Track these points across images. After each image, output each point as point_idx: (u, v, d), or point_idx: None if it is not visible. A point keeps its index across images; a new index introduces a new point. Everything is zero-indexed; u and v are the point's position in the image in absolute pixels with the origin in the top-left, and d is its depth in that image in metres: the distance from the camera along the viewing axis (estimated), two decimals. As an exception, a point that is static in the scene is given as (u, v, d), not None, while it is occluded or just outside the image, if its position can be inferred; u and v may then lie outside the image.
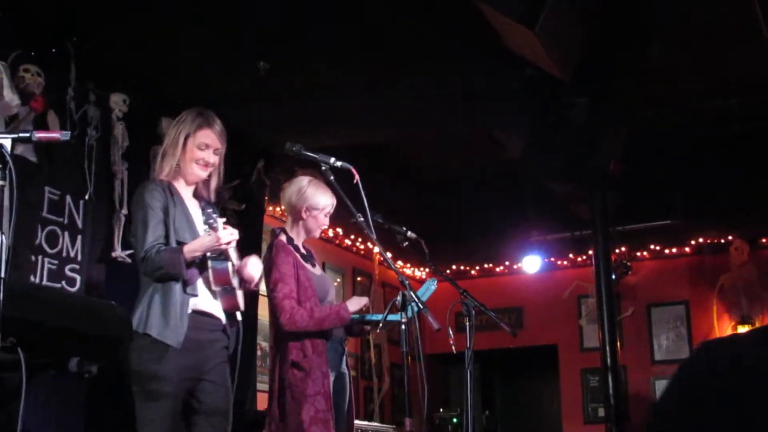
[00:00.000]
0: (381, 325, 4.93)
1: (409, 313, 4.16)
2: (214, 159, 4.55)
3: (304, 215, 5.28)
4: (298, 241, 5.34)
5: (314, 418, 5.01)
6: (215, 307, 4.44)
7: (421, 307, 4.07)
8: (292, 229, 5.35)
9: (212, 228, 4.28)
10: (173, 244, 4.31)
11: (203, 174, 4.55)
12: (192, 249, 4.32)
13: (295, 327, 5.04)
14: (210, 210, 4.43)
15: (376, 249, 10.92)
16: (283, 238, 5.27)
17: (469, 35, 6.49)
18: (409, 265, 12.51)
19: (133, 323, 4.16)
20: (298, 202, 5.29)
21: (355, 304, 5.24)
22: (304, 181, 5.34)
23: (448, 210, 10.54)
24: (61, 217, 6.28)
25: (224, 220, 4.37)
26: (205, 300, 4.39)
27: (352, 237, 11.05)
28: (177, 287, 4.28)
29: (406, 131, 8.35)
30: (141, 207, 4.33)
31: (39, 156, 6.04)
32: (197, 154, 4.48)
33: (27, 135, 2.85)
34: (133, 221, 4.41)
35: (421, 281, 12.61)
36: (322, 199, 5.28)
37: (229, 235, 4.33)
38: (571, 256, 12.13)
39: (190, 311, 4.33)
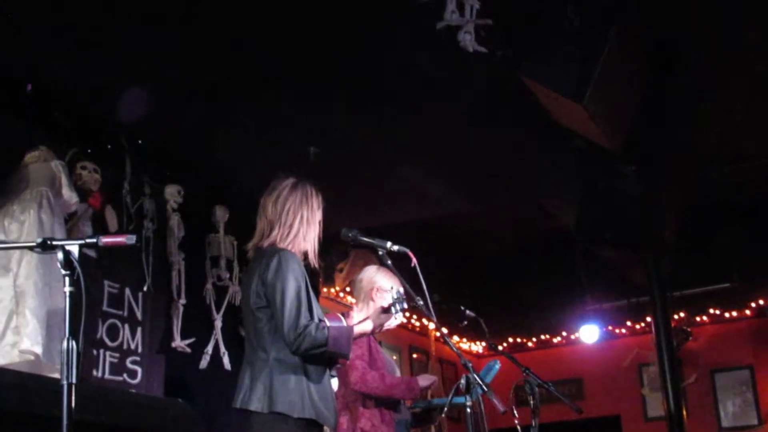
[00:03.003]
0: (446, 408, 4.93)
1: (474, 396, 4.15)
2: None
3: (374, 296, 5.38)
4: None
5: (383, 491, 4.99)
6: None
7: (486, 389, 4.05)
8: (362, 311, 5.42)
9: (399, 311, 4.21)
10: (316, 320, 3.99)
11: None
12: (362, 330, 4.21)
13: (366, 388, 5.08)
14: (402, 291, 4.29)
15: (432, 326, 10.95)
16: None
17: (516, 109, 6.53)
18: (465, 340, 12.43)
19: (275, 406, 3.84)
20: (369, 284, 5.42)
21: (426, 380, 5.33)
22: (373, 268, 5.49)
23: (501, 282, 10.51)
24: (121, 310, 6.37)
25: None
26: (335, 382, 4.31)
27: (407, 314, 11.03)
28: (323, 367, 4.04)
29: (458, 207, 8.36)
30: (291, 277, 3.98)
31: (98, 251, 6.14)
32: (319, 232, 4.30)
33: (94, 241, 2.89)
34: (279, 291, 3.95)
35: (479, 356, 12.53)
36: (390, 283, 5.39)
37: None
38: (629, 323, 11.98)
39: None
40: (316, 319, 3.98)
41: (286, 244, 4.14)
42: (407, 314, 8.46)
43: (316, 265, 4.32)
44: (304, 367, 3.96)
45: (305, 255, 4.23)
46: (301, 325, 3.88)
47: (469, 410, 4.16)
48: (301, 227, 4.19)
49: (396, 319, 4.33)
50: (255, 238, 4.26)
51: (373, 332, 4.40)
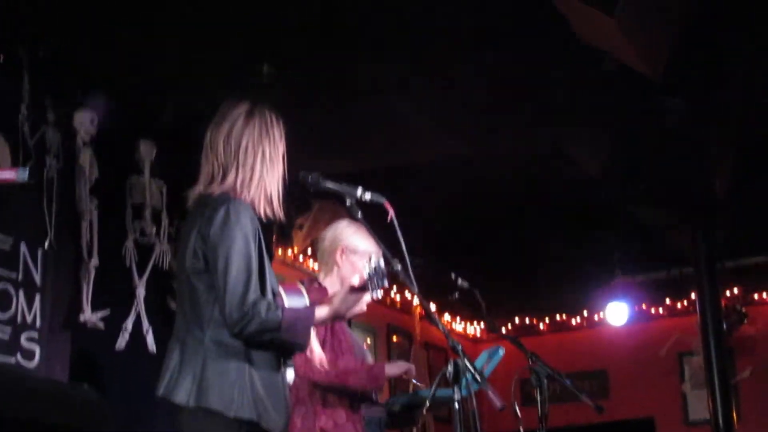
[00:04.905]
0: (427, 404, 4.93)
1: (465, 390, 4.14)
2: None
3: (339, 259, 5.36)
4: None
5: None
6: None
7: (480, 380, 4.04)
8: (326, 279, 5.40)
9: (377, 290, 4.11)
10: (269, 295, 3.96)
11: None
12: (324, 316, 4.11)
13: (312, 373, 5.07)
14: (383, 263, 4.17)
15: (417, 301, 10.94)
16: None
17: (529, 23, 6.50)
18: (459, 320, 12.48)
19: (205, 401, 3.81)
20: (333, 243, 5.39)
21: (397, 367, 5.31)
22: (341, 223, 5.45)
23: (506, 246, 10.51)
24: (15, 272, 6.31)
25: None
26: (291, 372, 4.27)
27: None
28: (275, 354, 4.01)
29: (453, 148, 8.33)
30: (239, 237, 3.92)
31: (-17, 193, 6.10)
32: (284, 171, 4.21)
33: (-27, 176, 2.86)
34: (223, 255, 3.89)
35: (475, 340, 12.58)
36: (362, 242, 5.35)
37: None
38: (667, 302, 12.06)
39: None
40: (269, 295, 3.96)
41: (251, 193, 4.08)
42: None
43: (282, 216, 4.26)
44: (249, 352, 3.93)
45: (270, 201, 4.18)
46: (248, 303, 3.82)
47: (457, 405, 4.15)
48: (263, 168, 4.13)
49: (369, 298, 4.28)
50: (200, 183, 4.17)
51: (338, 318, 4.34)
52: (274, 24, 6.45)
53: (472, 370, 4.06)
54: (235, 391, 3.84)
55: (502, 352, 5.38)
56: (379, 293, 4.10)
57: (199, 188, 4.13)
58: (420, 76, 7.22)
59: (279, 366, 4.03)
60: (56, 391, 3.76)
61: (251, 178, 4.08)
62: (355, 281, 4.16)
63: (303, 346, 4.02)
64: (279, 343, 3.91)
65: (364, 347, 5.67)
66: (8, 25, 6.24)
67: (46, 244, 6.50)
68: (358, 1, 6.29)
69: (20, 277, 6.34)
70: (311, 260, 9.39)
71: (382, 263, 4.06)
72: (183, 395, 3.85)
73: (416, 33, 6.70)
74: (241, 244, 3.90)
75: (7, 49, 6.33)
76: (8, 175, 2.88)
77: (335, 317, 4.23)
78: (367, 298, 4.20)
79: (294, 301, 4.14)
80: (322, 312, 4.11)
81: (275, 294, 4.03)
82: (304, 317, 4.00)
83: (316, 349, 5.08)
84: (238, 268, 3.86)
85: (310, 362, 5.07)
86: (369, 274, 4.05)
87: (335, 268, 5.40)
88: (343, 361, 5.17)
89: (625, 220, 9.47)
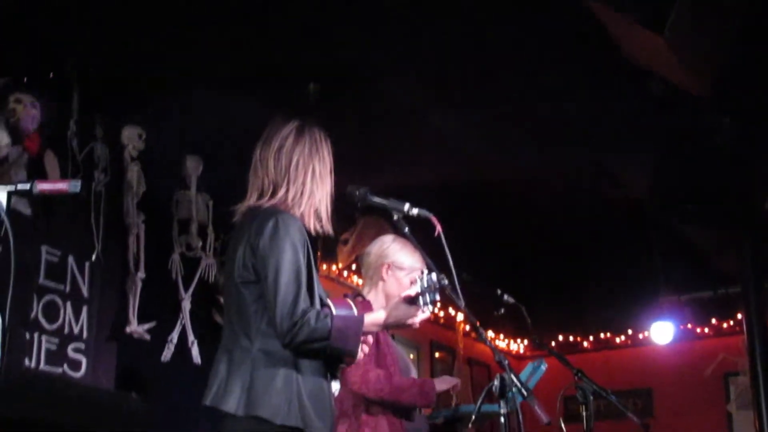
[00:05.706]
0: (473, 419, 4.92)
1: (510, 405, 4.13)
2: None
3: (384, 275, 5.37)
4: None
5: None
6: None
7: (526, 394, 4.03)
8: (370, 293, 5.40)
9: (429, 304, 4.13)
10: (317, 305, 4.00)
11: None
12: (374, 322, 4.18)
13: (367, 390, 5.08)
14: (435, 278, 4.19)
15: (461, 317, 10.93)
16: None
17: (576, 42, 6.48)
18: (502, 336, 12.41)
19: (254, 409, 3.85)
20: (379, 258, 5.39)
21: (445, 382, 5.32)
22: (388, 238, 5.45)
23: (551, 264, 10.47)
24: (62, 284, 6.38)
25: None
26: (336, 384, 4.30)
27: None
28: (322, 363, 4.06)
29: (497, 167, 8.32)
30: (289, 248, 3.97)
31: (34, 208, 6.14)
32: (332, 187, 4.29)
33: (26, 187, 2.87)
34: (273, 266, 3.93)
35: (519, 357, 12.52)
36: (408, 258, 5.36)
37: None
38: (714, 321, 11.94)
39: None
40: (317, 305, 3.98)
41: (301, 208, 4.14)
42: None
43: (330, 230, 4.29)
44: (296, 362, 3.95)
45: (319, 217, 4.21)
46: (298, 312, 3.86)
47: (503, 420, 4.15)
48: (314, 184, 4.20)
49: (423, 314, 4.29)
50: (250, 198, 4.21)
51: (388, 328, 4.37)
52: (317, 45, 6.47)
53: (519, 385, 4.06)
54: (282, 400, 3.87)
55: (544, 367, 5.38)
56: (431, 307, 4.11)
57: (248, 202, 4.17)
58: (465, 95, 7.22)
59: (326, 374, 4.05)
60: (103, 400, 3.78)
61: (302, 194, 4.14)
62: (405, 286, 4.17)
63: (353, 353, 4.03)
64: (330, 351, 3.93)
65: (409, 360, 5.67)
66: (58, 43, 6.29)
67: (94, 256, 6.55)
68: (404, 21, 6.30)
69: (68, 289, 6.41)
70: (355, 276, 9.38)
71: (435, 278, 4.07)
72: (232, 404, 3.87)
73: (462, 56, 6.71)
74: (290, 254, 3.93)
75: (56, 66, 6.39)
76: (61, 186, 2.89)
77: (385, 327, 4.24)
78: (420, 314, 4.21)
79: (343, 313, 4.15)
80: (371, 320, 4.13)
81: (324, 304, 4.05)
82: (354, 324, 4.02)
83: (371, 367, 5.10)
84: (288, 278, 3.89)
85: (367, 379, 5.08)
86: (422, 287, 4.07)
87: (380, 283, 5.41)
88: (396, 378, 5.19)
89: (672, 238, 9.41)
